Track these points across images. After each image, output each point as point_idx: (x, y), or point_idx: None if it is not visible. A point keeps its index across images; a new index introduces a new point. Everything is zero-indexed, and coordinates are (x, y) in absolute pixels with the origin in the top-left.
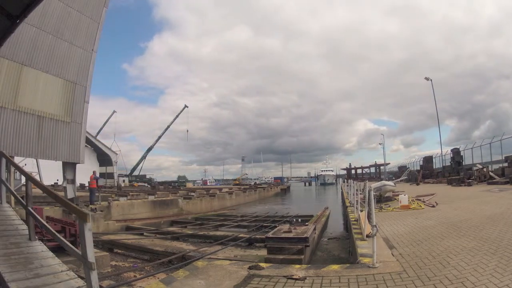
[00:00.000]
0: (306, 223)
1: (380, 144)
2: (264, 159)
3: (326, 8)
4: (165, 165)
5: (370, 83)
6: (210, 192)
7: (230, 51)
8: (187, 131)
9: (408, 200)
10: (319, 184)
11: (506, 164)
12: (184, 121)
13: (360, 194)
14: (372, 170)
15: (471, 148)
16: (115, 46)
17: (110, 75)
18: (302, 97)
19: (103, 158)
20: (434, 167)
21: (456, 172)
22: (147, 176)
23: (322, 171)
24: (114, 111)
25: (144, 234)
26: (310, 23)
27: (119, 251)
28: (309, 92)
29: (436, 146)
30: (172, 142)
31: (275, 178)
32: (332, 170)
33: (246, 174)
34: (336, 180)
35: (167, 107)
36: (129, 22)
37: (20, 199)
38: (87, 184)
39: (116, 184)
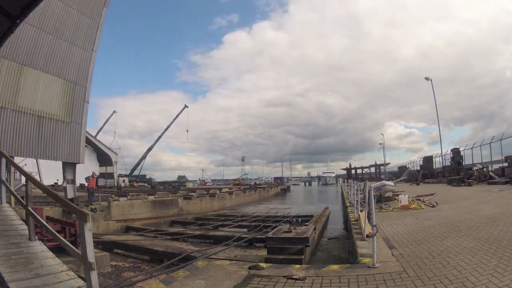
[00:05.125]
0: (306, 223)
1: (380, 144)
2: (290, 159)
3: (412, 39)
4: (186, 165)
5: (411, 93)
6: (210, 192)
7: (311, 61)
8: (187, 131)
9: (408, 200)
10: (320, 184)
11: (506, 164)
12: (222, 121)
13: (360, 194)
14: (372, 170)
15: (471, 148)
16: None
17: (160, 66)
18: (364, 104)
19: (103, 158)
20: (434, 167)
21: (456, 172)
22: (147, 176)
23: (323, 172)
24: (114, 111)
25: (144, 234)
26: (400, 46)
27: (119, 251)
28: (373, 99)
29: (452, 145)
30: (203, 143)
31: (275, 178)
32: (332, 172)
33: (246, 174)
34: (336, 181)
35: (213, 104)
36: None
37: (20, 199)
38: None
39: (116, 184)
